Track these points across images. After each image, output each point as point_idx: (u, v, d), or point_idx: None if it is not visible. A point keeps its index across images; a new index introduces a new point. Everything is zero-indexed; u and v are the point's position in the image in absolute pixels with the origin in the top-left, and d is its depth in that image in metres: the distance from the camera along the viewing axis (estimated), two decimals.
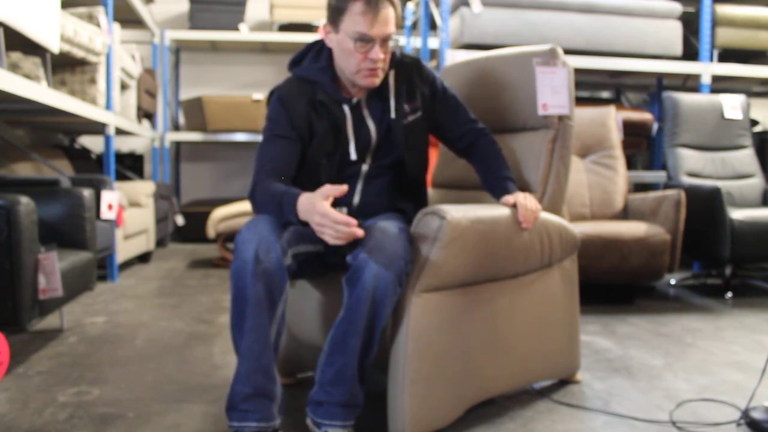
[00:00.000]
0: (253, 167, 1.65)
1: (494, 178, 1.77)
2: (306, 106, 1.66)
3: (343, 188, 1.46)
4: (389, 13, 1.58)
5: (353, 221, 1.42)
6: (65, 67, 3.39)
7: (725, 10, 4.20)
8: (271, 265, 1.42)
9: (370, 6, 1.55)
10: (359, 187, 1.73)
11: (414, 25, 5.06)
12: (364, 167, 1.73)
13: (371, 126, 1.71)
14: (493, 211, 1.62)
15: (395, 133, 1.71)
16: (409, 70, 1.74)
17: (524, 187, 1.88)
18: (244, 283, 1.41)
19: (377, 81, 1.65)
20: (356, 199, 1.72)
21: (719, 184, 3.31)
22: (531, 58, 1.89)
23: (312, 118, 1.66)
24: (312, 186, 1.62)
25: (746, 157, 3.87)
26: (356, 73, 1.62)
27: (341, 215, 1.42)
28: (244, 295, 1.42)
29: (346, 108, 1.69)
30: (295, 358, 1.93)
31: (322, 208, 1.42)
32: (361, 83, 1.64)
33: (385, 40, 1.59)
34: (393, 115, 1.71)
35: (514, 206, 1.67)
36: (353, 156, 1.69)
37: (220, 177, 6.13)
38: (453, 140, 1.85)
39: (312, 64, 1.70)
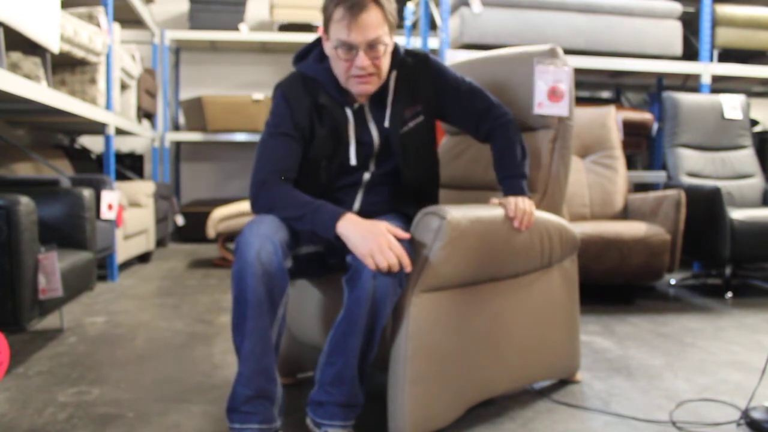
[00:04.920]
0: (256, 162, 1.62)
1: (501, 177, 1.75)
2: (309, 106, 1.63)
3: (406, 236, 1.49)
4: (371, 17, 1.50)
5: (408, 235, 1.49)
6: (65, 67, 3.39)
7: (725, 10, 4.20)
8: (273, 267, 1.42)
9: (350, 11, 1.49)
10: (359, 196, 1.71)
11: (414, 25, 5.06)
12: (366, 176, 1.70)
13: (374, 132, 1.68)
14: (493, 212, 1.62)
15: (391, 142, 1.68)
16: (412, 70, 1.70)
17: None
18: (245, 285, 1.41)
19: (371, 88, 1.60)
20: (356, 206, 1.71)
21: (719, 184, 3.31)
22: (531, 57, 1.89)
23: (314, 120, 1.64)
24: (311, 188, 1.62)
25: (746, 157, 3.87)
26: (347, 81, 1.59)
27: (403, 232, 1.48)
28: (245, 297, 1.41)
29: (348, 112, 1.65)
30: (295, 358, 1.93)
31: (387, 225, 1.47)
32: (354, 90, 1.61)
33: (371, 46, 1.53)
34: (387, 123, 1.67)
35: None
36: (353, 161, 1.67)
37: (220, 177, 6.13)
38: (470, 132, 1.83)
39: (316, 64, 1.66)
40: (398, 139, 1.68)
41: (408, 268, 1.43)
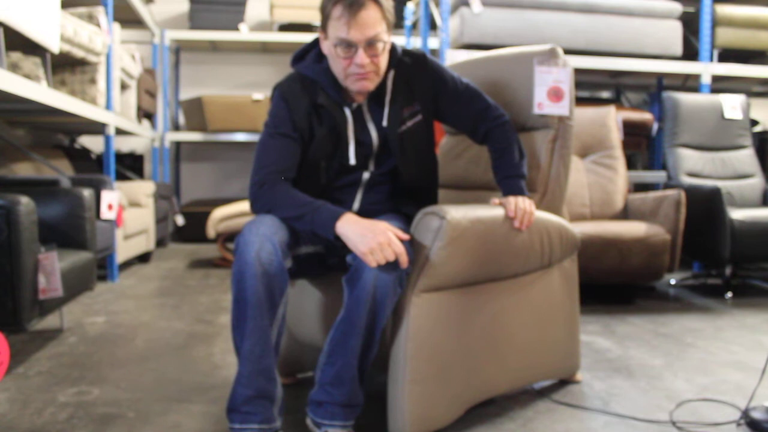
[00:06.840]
0: (255, 162, 1.62)
1: (500, 178, 1.75)
2: (308, 107, 1.63)
3: (406, 237, 1.49)
4: (370, 15, 1.51)
5: (408, 236, 1.49)
6: (65, 67, 3.39)
7: (725, 10, 4.20)
8: (272, 267, 1.42)
9: (349, 9, 1.49)
10: (359, 195, 1.71)
11: (414, 25, 5.06)
12: (365, 175, 1.70)
13: (372, 132, 1.68)
14: (493, 212, 1.62)
15: (390, 142, 1.68)
16: (410, 69, 1.69)
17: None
18: (245, 285, 1.41)
19: (370, 85, 1.60)
20: (355, 206, 1.71)
21: (719, 184, 3.32)
22: (531, 58, 1.89)
23: (313, 121, 1.63)
24: (310, 188, 1.62)
25: (746, 157, 3.87)
26: (346, 79, 1.59)
27: (403, 233, 1.47)
28: (244, 297, 1.42)
29: (347, 111, 1.65)
30: (295, 358, 1.93)
31: (386, 225, 1.46)
32: (353, 88, 1.60)
33: (370, 44, 1.54)
34: (385, 123, 1.67)
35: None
36: (352, 161, 1.66)
37: (220, 177, 6.13)
38: (468, 133, 1.83)
39: (314, 64, 1.66)
40: (396, 138, 1.68)
41: (405, 265, 1.43)
